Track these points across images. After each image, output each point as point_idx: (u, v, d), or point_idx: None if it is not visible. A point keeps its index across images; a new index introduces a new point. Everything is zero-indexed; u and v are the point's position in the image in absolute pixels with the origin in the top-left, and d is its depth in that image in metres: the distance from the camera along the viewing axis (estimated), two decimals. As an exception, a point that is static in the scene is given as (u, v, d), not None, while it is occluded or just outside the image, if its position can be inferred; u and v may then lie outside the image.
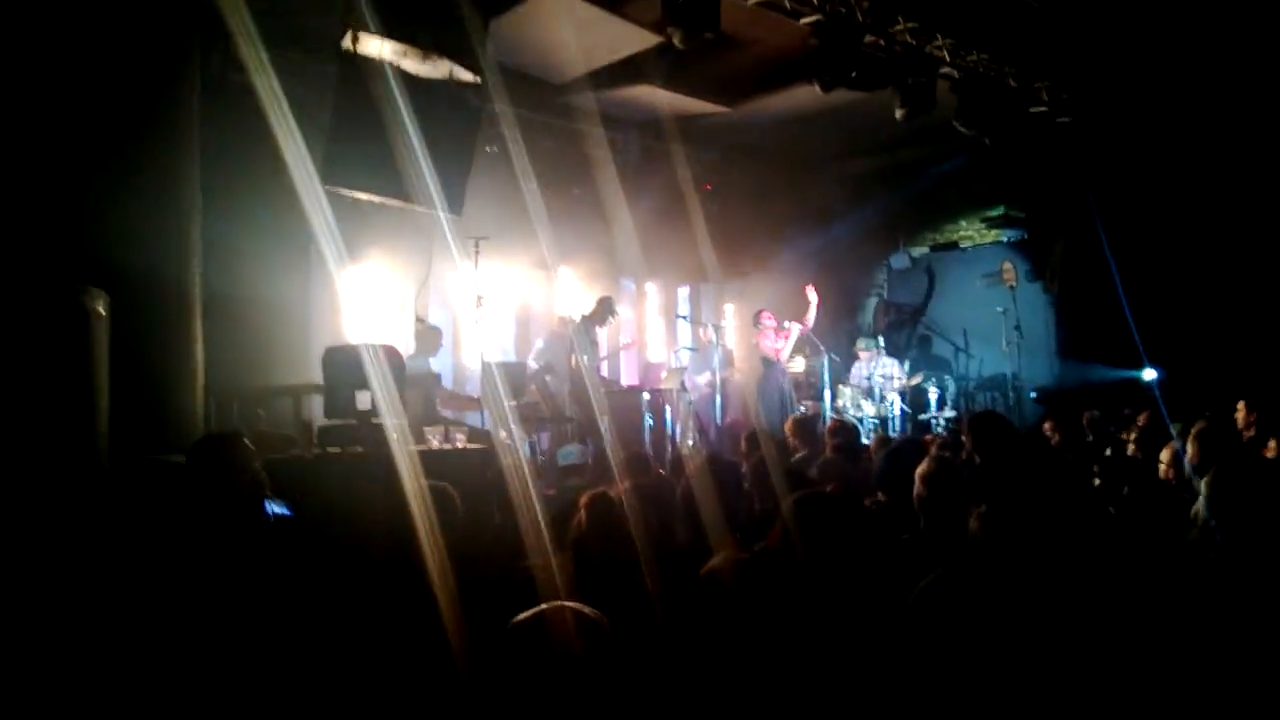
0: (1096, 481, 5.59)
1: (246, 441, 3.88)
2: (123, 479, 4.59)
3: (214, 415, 7.71)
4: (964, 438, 6.06)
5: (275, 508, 3.78)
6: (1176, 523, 4.27)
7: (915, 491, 4.37)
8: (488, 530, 4.58)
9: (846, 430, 7.52)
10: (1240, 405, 6.72)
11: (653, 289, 13.96)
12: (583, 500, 3.50)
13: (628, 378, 13.17)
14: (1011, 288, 13.38)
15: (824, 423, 10.34)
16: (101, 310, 4.71)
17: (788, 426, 8.21)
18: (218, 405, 7.79)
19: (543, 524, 3.83)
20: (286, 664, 2.82)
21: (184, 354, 6.30)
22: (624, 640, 1.91)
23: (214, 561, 3.17)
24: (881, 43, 9.93)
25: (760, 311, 12.46)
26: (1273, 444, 5.98)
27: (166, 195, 6.35)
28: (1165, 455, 5.37)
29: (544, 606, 1.92)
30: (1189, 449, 4.93)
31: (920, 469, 4.39)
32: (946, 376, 13.35)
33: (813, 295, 12.50)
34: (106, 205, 5.97)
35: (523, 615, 1.92)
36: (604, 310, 11.00)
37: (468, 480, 5.15)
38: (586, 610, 1.92)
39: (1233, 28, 9.85)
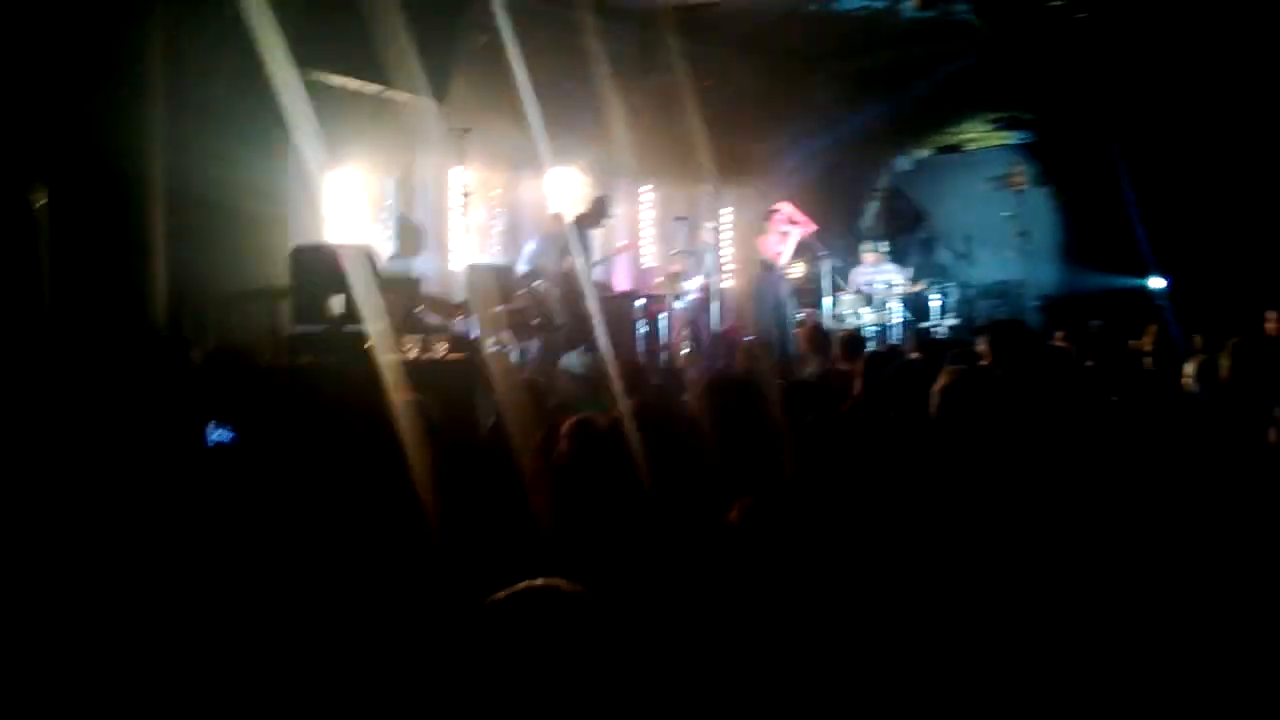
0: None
1: (192, 354, 3.50)
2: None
3: (187, 318, 7.37)
4: (980, 348, 5.70)
5: (218, 434, 3.40)
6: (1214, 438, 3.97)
7: (933, 406, 4.04)
8: (470, 452, 4.22)
9: (858, 342, 7.13)
10: (1271, 315, 6.37)
11: (647, 190, 13.46)
12: (564, 428, 3.12)
13: (621, 283, 12.76)
14: (1020, 192, 12.92)
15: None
16: (40, 203, 4.29)
17: (802, 335, 7.79)
18: (191, 308, 7.43)
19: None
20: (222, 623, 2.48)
21: (142, 251, 5.87)
22: (614, 618, 1.57)
23: (132, 500, 2.79)
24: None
25: (773, 209, 11.97)
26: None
27: (122, 83, 5.85)
28: (1190, 369, 5.04)
29: (520, 586, 1.60)
30: (1222, 363, 4.57)
31: (939, 383, 4.05)
32: (949, 284, 12.96)
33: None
34: (56, 94, 5.49)
35: (497, 596, 1.60)
36: (599, 211, 10.56)
37: (448, 394, 4.79)
38: (567, 588, 1.59)
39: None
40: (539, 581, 1.64)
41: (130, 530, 2.77)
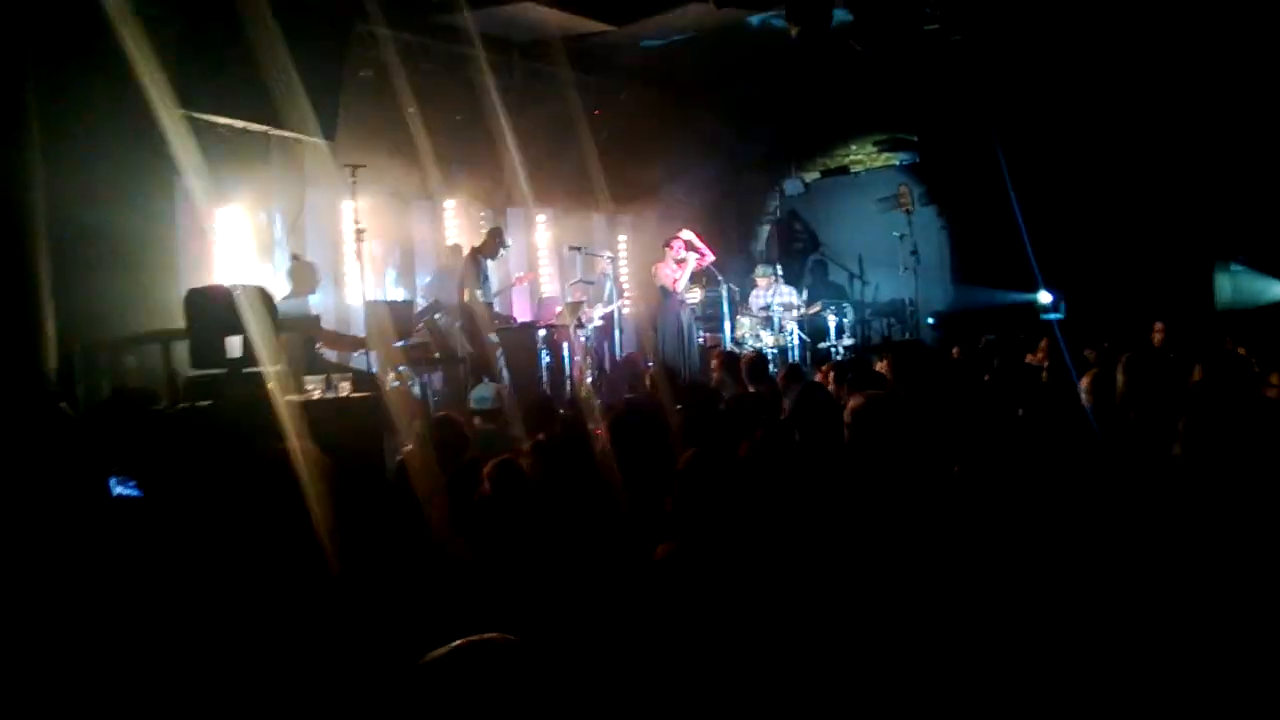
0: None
1: (64, 407, 3.32)
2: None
3: (78, 366, 7.10)
4: (881, 367, 5.80)
5: (122, 487, 3.24)
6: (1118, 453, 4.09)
7: (847, 426, 4.08)
8: (377, 493, 4.11)
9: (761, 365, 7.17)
10: (1158, 326, 6.60)
11: (542, 220, 13.42)
12: (485, 469, 3.05)
13: (521, 313, 12.67)
14: (908, 212, 13.22)
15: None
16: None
17: (716, 361, 7.74)
18: (82, 355, 7.16)
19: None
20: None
21: (27, 298, 5.59)
22: (552, 668, 1.53)
23: (38, 559, 2.63)
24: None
25: (673, 237, 12.01)
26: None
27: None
28: (1085, 382, 5.19)
29: (458, 643, 1.54)
30: (1119, 378, 4.72)
31: (850, 405, 4.10)
32: (845, 304, 13.18)
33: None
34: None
35: (434, 654, 1.53)
36: (495, 242, 10.49)
37: (355, 434, 4.67)
38: (503, 641, 1.55)
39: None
40: (476, 637, 1.58)
41: (33, 586, 2.61)
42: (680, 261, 11.92)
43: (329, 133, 7.07)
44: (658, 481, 3.27)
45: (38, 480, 3.06)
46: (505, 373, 9.17)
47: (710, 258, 12.08)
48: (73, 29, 7.02)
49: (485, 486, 2.98)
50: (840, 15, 10.18)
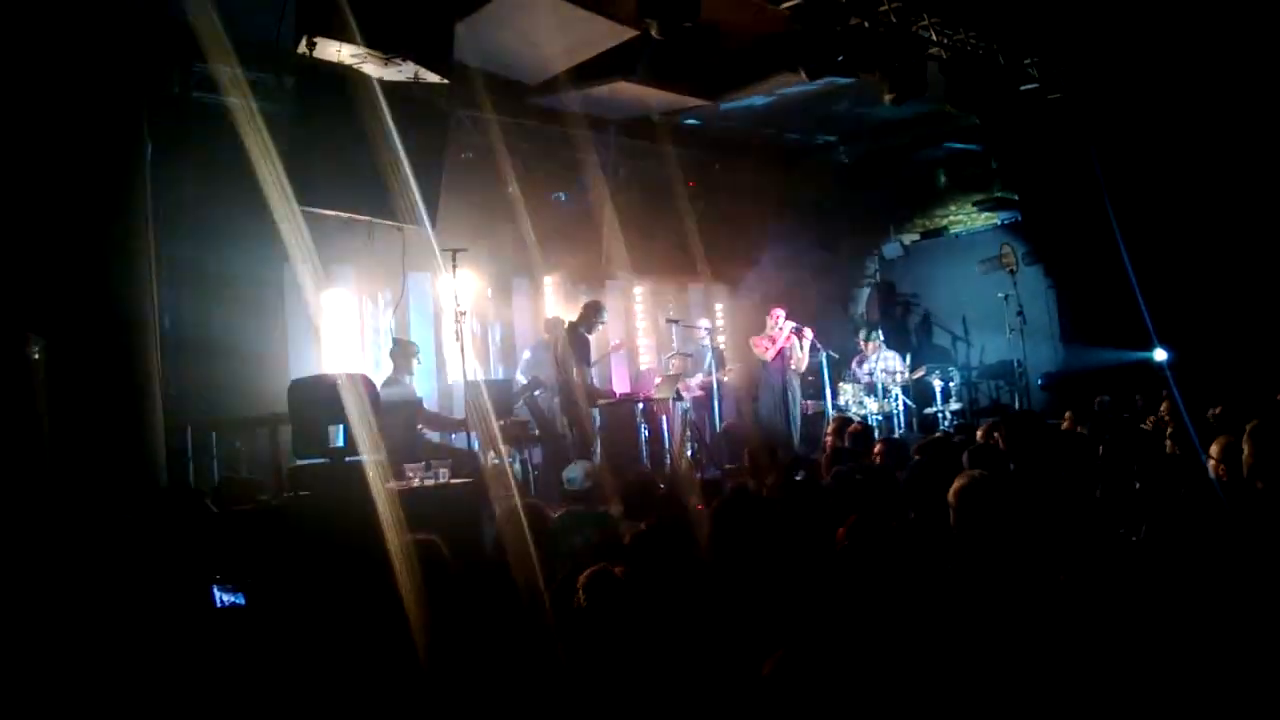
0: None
1: (209, 503, 3.38)
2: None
3: (189, 447, 7.35)
4: (996, 437, 5.61)
5: (227, 595, 3.27)
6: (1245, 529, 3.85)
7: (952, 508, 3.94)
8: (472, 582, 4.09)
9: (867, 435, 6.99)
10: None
11: (640, 292, 13.50)
12: (580, 580, 3.00)
13: (619, 384, 12.70)
14: (1012, 272, 12.93)
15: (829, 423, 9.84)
16: (37, 355, 4.24)
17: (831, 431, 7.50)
18: (191, 436, 7.42)
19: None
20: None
21: (143, 394, 5.79)
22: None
23: (137, 674, 2.65)
24: (866, 24, 9.48)
25: (772, 309, 11.95)
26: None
27: (114, 227, 5.85)
28: (1215, 450, 4.92)
29: None
30: (1245, 448, 4.47)
31: (955, 485, 3.96)
32: (950, 367, 12.90)
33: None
34: (52, 240, 5.49)
35: None
36: (592, 315, 10.53)
37: (456, 521, 4.68)
38: None
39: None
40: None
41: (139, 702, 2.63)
42: (782, 333, 11.80)
43: (431, 219, 7.21)
44: (764, 580, 3.18)
45: (155, 585, 3.12)
46: (598, 450, 9.15)
47: (809, 334, 11.90)
48: (186, 132, 7.35)
49: (580, 598, 2.92)
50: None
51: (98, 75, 5.92)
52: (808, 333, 11.81)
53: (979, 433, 6.56)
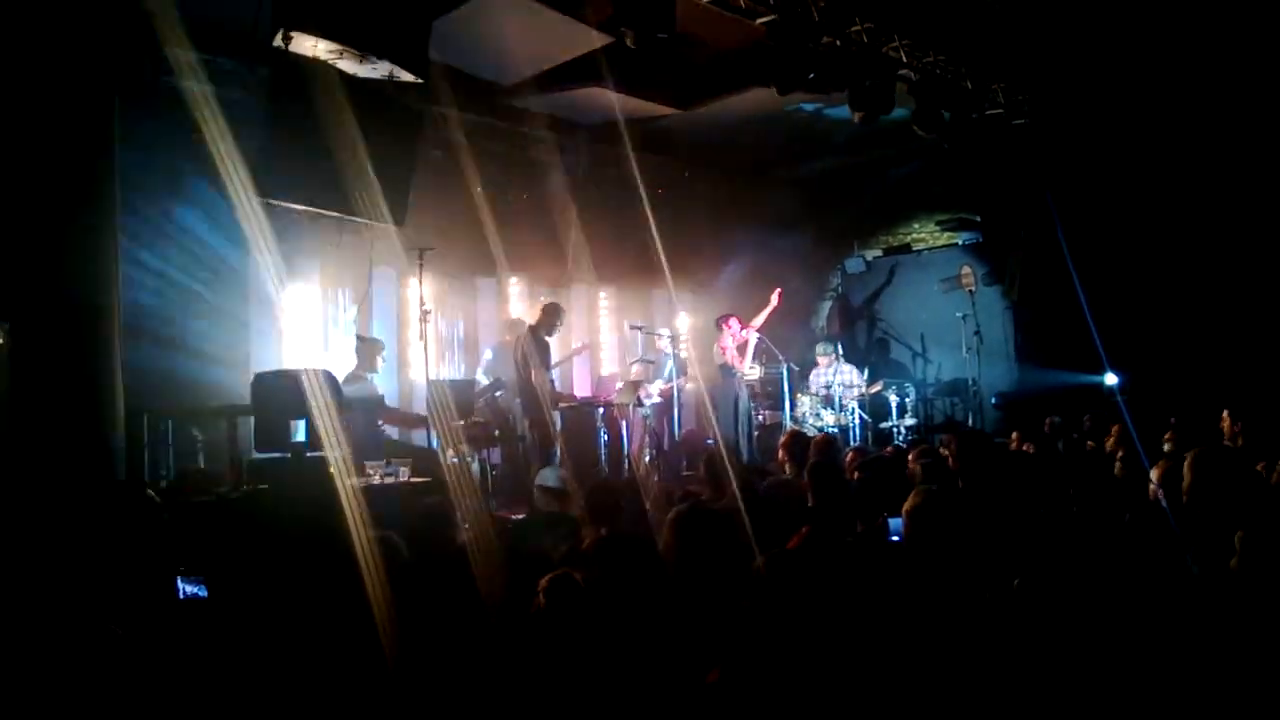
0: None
1: (151, 494, 3.40)
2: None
3: (145, 435, 7.29)
4: (945, 451, 5.74)
5: (189, 586, 3.29)
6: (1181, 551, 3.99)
7: (903, 525, 4.05)
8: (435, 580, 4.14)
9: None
10: (1225, 415, 6.44)
11: (605, 296, 13.57)
12: (541, 583, 3.06)
13: (580, 387, 12.77)
14: (970, 292, 13.14)
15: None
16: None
17: (783, 445, 7.55)
18: (147, 425, 7.35)
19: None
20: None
21: (103, 381, 5.76)
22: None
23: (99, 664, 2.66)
24: (838, 44, 9.61)
25: (724, 316, 12.05)
26: None
27: (85, 215, 5.82)
28: (1155, 475, 5.06)
29: None
30: (1185, 475, 4.60)
31: (907, 505, 4.06)
32: (906, 383, 13.07)
33: (774, 299, 12.16)
34: (15, 230, 5.46)
35: None
36: (551, 318, 10.56)
37: (417, 518, 4.72)
38: None
39: (1190, 26, 9.67)
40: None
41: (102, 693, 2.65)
42: (741, 339, 11.90)
43: (399, 218, 7.23)
44: (720, 592, 3.26)
45: (114, 574, 3.13)
46: (557, 451, 9.20)
47: (757, 324, 11.97)
48: (154, 117, 7.31)
49: (540, 599, 2.98)
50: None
51: (65, 60, 5.87)
52: (753, 335, 11.91)
53: (910, 456, 6.48)
